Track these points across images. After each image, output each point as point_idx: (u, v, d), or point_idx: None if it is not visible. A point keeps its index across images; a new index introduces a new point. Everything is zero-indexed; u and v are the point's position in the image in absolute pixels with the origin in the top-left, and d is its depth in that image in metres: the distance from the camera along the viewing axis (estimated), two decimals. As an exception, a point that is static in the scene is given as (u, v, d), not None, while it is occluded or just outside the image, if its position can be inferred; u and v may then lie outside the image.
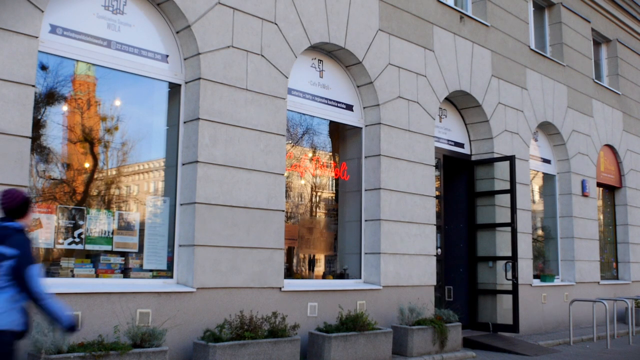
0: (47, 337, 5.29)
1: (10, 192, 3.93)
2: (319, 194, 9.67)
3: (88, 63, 6.73)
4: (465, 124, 11.75)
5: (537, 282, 12.52)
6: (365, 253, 9.23)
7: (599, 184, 15.08)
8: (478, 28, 11.53)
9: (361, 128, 9.52)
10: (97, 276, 6.56)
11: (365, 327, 7.80)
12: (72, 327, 3.95)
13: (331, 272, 9.36)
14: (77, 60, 6.65)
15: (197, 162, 7.05)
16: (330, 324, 7.79)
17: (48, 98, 6.60)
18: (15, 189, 4.01)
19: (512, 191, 11.00)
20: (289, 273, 8.70)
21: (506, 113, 11.92)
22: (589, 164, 14.37)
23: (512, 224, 10.94)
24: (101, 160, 7.05)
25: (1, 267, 3.73)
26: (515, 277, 10.68)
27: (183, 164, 7.23)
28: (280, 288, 7.73)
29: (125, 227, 6.91)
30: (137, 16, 7.07)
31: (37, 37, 5.96)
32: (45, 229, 6.27)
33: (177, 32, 7.33)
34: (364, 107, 9.52)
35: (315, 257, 9.48)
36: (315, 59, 9.04)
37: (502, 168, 11.33)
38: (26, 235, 3.86)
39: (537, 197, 13.86)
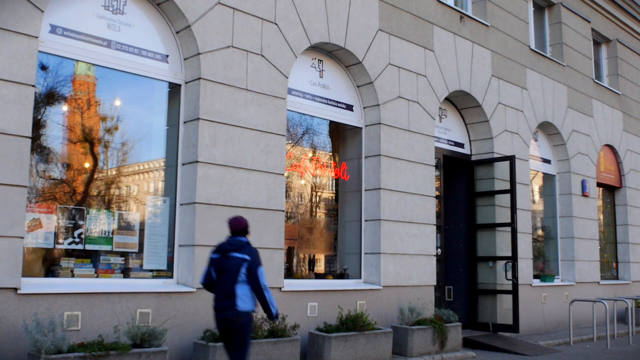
0: (47, 337, 5.29)
1: (237, 219, 5.54)
2: (319, 194, 9.67)
3: (88, 63, 6.72)
4: (465, 124, 11.75)
5: (537, 282, 12.52)
6: (365, 253, 9.23)
7: (599, 184, 15.08)
8: (478, 28, 11.53)
9: (361, 128, 9.52)
10: (97, 276, 6.56)
11: (365, 327, 7.80)
12: (276, 317, 5.43)
13: (331, 272, 9.35)
14: (77, 60, 6.65)
15: (197, 162, 7.05)
16: (330, 324, 7.79)
17: (48, 98, 6.60)
18: (240, 216, 5.59)
19: (512, 191, 11.00)
20: (289, 273, 8.70)
21: (506, 113, 11.92)
22: (589, 164, 14.37)
23: (512, 224, 10.94)
24: (101, 160, 7.05)
25: (242, 267, 5.22)
26: (515, 277, 10.68)
27: (183, 164, 7.23)
28: (280, 288, 7.73)
29: (125, 227, 6.91)
30: (137, 16, 7.07)
31: (37, 37, 5.96)
32: (45, 229, 6.28)
33: (177, 32, 7.33)
34: (364, 107, 9.52)
35: (315, 257, 9.49)
36: (315, 59, 9.04)
37: (502, 168, 11.33)
38: (252, 246, 5.42)
39: (537, 197, 13.86)
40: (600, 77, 16.13)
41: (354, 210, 9.46)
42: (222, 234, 7.15)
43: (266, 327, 6.94)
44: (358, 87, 9.49)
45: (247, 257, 5.25)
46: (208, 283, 5.43)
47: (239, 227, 5.47)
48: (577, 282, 13.43)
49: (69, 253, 6.44)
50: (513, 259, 10.80)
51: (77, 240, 6.48)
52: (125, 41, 6.91)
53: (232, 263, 5.26)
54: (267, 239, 7.62)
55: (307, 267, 9.43)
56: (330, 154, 9.77)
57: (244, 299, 5.21)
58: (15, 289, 5.64)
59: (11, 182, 5.66)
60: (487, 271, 11.31)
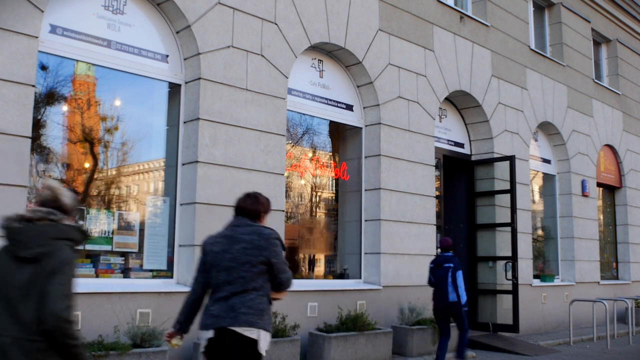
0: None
1: (446, 240, 8.27)
2: (319, 194, 9.67)
3: (88, 63, 6.73)
4: (465, 124, 11.75)
5: (537, 282, 12.52)
6: (365, 253, 9.23)
7: (599, 184, 15.08)
8: (478, 28, 11.53)
9: (361, 128, 9.52)
10: (97, 276, 6.56)
11: (365, 327, 7.80)
12: (465, 305, 7.96)
13: (331, 272, 9.36)
14: (77, 60, 6.65)
15: (197, 162, 7.05)
16: (330, 324, 7.79)
17: (48, 98, 6.60)
18: (448, 237, 8.37)
19: (512, 191, 11.00)
20: (289, 273, 8.68)
21: (506, 113, 11.92)
22: (589, 164, 14.37)
23: (512, 224, 10.94)
24: (101, 160, 7.05)
25: (450, 272, 7.88)
26: (515, 277, 10.68)
27: (183, 164, 7.23)
28: (280, 288, 7.71)
29: (125, 227, 6.91)
30: (137, 16, 7.07)
31: (37, 37, 5.96)
32: (45, 229, 6.27)
33: (177, 32, 7.33)
34: (364, 107, 9.52)
35: (315, 257, 9.49)
36: (315, 59, 9.04)
37: (502, 168, 11.33)
38: (456, 258, 8.08)
39: (537, 197, 13.86)
40: (600, 77, 16.13)
41: (354, 210, 9.46)
42: (222, 234, 7.17)
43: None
44: (358, 87, 9.49)
45: (452, 265, 7.89)
46: (430, 284, 8.19)
47: (447, 245, 8.19)
48: (577, 282, 13.43)
49: (69, 253, 6.43)
50: (513, 259, 10.80)
51: (77, 240, 6.47)
52: (125, 41, 6.91)
53: (444, 271, 7.93)
54: (267, 239, 7.60)
55: (307, 267, 9.43)
56: (330, 154, 9.77)
57: (453, 293, 7.84)
58: (15, 289, 5.64)
59: (11, 182, 5.66)
60: (487, 271, 11.31)
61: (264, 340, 3.59)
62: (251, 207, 3.85)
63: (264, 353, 3.58)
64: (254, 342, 3.53)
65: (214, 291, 3.69)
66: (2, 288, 2.58)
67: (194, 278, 3.85)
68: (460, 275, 7.85)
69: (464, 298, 7.86)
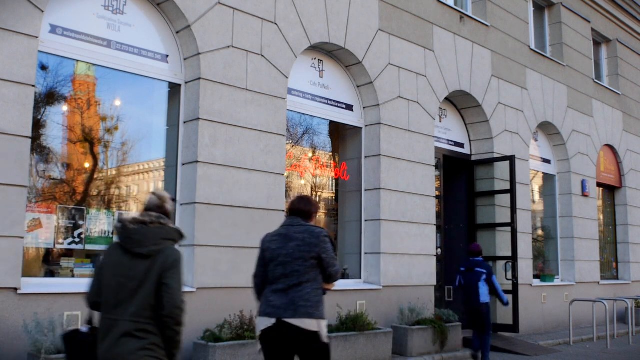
0: (47, 337, 5.29)
1: (476, 245, 8.93)
2: (319, 194, 9.67)
3: (88, 63, 6.73)
4: (465, 124, 11.75)
5: (537, 282, 12.52)
6: (365, 253, 9.23)
7: (599, 184, 15.07)
8: (478, 28, 11.53)
9: (361, 128, 9.52)
10: (97, 276, 6.55)
11: (365, 327, 7.80)
12: (507, 303, 8.80)
13: (331, 272, 9.34)
14: (77, 60, 6.65)
15: (197, 162, 7.05)
16: (330, 324, 7.78)
17: (48, 98, 6.60)
18: (477, 243, 9.42)
19: (512, 191, 11.00)
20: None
21: (506, 113, 11.92)
22: (589, 164, 14.37)
23: (512, 224, 10.94)
24: (101, 160, 7.05)
25: (482, 276, 8.42)
26: (515, 277, 10.68)
27: (183, 164, 7.23)
28: (280, 288, 7.72)
29: (125, 227, 6.90)
30: (137, 16, 7.07)
31: (37, 37, 5.96)
32: (45, 229, 6.28)
33: (177, 32, 7.33)
34: (364, 107, 9.51)
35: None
36: (315, 59, 9.04)
37: (502, 168, 11.33)
38: (486, 263, 8.77)
39: (537, 197, 13.86)
40: (600, 77, 16.13)
41: (354, 210, 9.46)
42: (222, 234, 7.18)
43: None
44: (358, 87, 9.49)
45: (484, 270, 8.48)
46: (458, 286, 8.78)
47: (477, 250, 8.78)
48: (577, 282, 13.43)
49: (69, 253, 6.44)
50: (513, 259, 10.80)
51: (77, 240, 6.48)
52: (125, 41, 6.90)
53: (476, 276, 8.46)
54: (267, 239, 7.61)
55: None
56: (330, 154, 9.77)
57: (483, 296, 8.39)
58: (15, 289, 5.64)
59: (11, 182, 5.66)
60: (487, 271, 11.30)
61: (323, 329, 4.10)
62: (304, 208, 4.36)
63: (327, 341, 4.13)
64: (316, 334, 4.05)
65: (271, 282, 4.19)
66: (120, 277, 3.14)
67: (255, 272, 4.33)
68: (495, 279, 8.55)
69: (505, 298, 8.71)
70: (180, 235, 3.38)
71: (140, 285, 3.11)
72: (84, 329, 3.39)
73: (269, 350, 4.14)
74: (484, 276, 8.40)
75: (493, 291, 8.48)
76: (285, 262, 4.14)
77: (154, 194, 3.40)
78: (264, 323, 4.11)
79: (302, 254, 4.13)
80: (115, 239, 3.18)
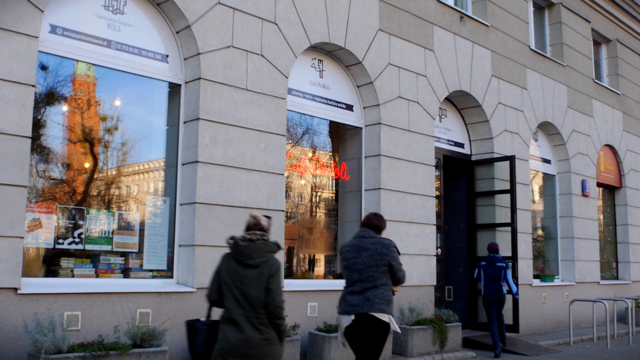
0: (47, 337, 5.29)
1: (494, 244, 9.92)
2: (319, 194, 9.67)
3: (88, 63, 6.73)
4: (465, 124, 11.75)
5: (537, 282, 12.52)
6: (365, 253, 9.21)
7: (599, 184, 15.08)
8: (478, 28, 11.53)
9: (361, 128, 9.52)
10: (97, 276, 6.56)
11: (365, 327, 7.79)
12: (517, 293, 10.04)
13: (331, 272, 9.35)
14: (77, 60, 6.65)
15: (197, 162, 7.05)
16: (330, 324, 7.79)
17: (48, 98, 6.60)
18: (495, 242, 10.09)
19: (512, 191, 11.00)
20: (289, 273, 8.70)
21: (506, 113, 11.92)
22: (589, 164, 14.37)
23: (512, 224, 10.94)
24: (101, 160, 7.05)
25: (503, 271, 9.61)
26: (515, 277, 10.68)
27: (183, 164, 7.23)
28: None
29: (125, 227, 6.92)
30: (137, 16, 7.07)
31: (37, 37, 5.96)
32: (45, 229, 6.27)
33: (177, 32, 7.33)
34: (364, 107, 9.52)
35: (315, 257, 9.48)
36: (315, 59, 9.04)
37: (502, 168, 11.33)
38: (505, 260, 9.90)
39: (537, 197, 13.86)
40: (600, 77, 16.13)
41: (354, 210, 9.46)
42: (222, 234, 7.15)
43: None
44: (358, 87, 9.49)
45: (504, 265, 9.68)
46: (476, 278, 10.05)
47: (495, 248, 9.88)
48: (577, 282, 13.43)
49: (69, 253, 6.44)
50: (513, 259, 10.80)
51: (77, 240, 6.48)
52: (125, 41, 6.91)
53: (497, 270, 9.65)
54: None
55: (307, 267, 9.43)
56: (330, 154, 9.77)
57: (504, 287, 9.63)
58: (15, 289, 5.64)
59: (11, 182, 5.66)
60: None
61: (393, 322, 5.09)
62: (377, 223, 5.37)
63: (397, 329, 5.22)
64: (386, 324, 5.04)
65: (348, 285, 5.19)
66: (237, 282, 4.08)
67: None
68: (508, 272, 9.79)
69: (514, 288, 9.87)
70: (278, 247, 4.27)
71: (253, 288, 4.04)
72: (202, 319, 4.39)
73: (352, 342, 5.12)
74: (504, 270, 9.67)
75: (506, 282, 9.74)
76: (361, 269, 5.08)
77: (250, 215, 4.36)
78: (346, 320, 5.07)
79: (375, 262, 5.07)
80: (227, 250, 4.24)
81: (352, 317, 5.00)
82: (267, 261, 4.12)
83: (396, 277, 5.18)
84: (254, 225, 4.29)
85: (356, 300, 5.03)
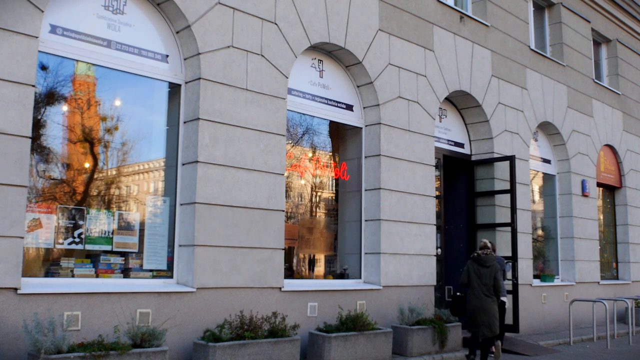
0: (47, 337, 5.29)
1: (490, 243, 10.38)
2: (319, 194, 9.67)
3: (88, 63, 6.73)
4: (465, 124, 11.75)
5: (537, 282, 12.52)
6: (365, 253, 9.23)
7: (599, 184, 15.08)
8: (478, 28, 11.53)
9: (361, 128, 9.52)
10: (97, 276, 6.56)
11: (365, 327, 7.80)
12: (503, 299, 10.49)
13: (331, 272, 9.36)
14: (77, 60, 6.65)
15: (197, 162, 7.05)
16: (330, 324, 7.79)
17: (48, 98, 6.60)
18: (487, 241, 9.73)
19: (512, 191, 11.00)
20: (289, 273, 8.70)
21: (506, 113, 11.92)
22: (589, 164, 14.37)
23: (512, 224, 10.94)
24: (101, 160, 7.05)
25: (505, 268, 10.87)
26: (515, 277, 10.68)
27: (183, 164, 7.23)
28: (280, 288, 7.73)
29: (125, 227, 6.92)
30: (137, 16, 7.07)
31: (37, 37, 5.96)
32: (45, 229, 6.28)
33: (177, 32, 7.33)
34: (364, 107, 9.52)
35: (315, 257, 9.49)
36: (315, 59, 9.04)
37: (502, 168, 11.33)
38: (499, 258, 10.16)
39: (537, 197, 13.86)
40: (600, 77, 16.13)
41: (354, 210, 9.46)
42: (222, 234, 7.19)
43: (266, 327, 6.94)
44: (358, 87, 9.49)
45: (499, 264, 9.57)
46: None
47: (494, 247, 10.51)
48: (577, 282, 13.43)
49: (69, 253, 6.44)
50: (513, 259, 10.80)
51: (77, 240, 6.49)
52: (125, 41, 6.91)
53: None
54: (267, 239, 7.62)
55: (307, 267, 9.43)
56: (330, 154, 9.77)
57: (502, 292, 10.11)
58: (15, 289, 5.64)
59: (11, 182, 5.66)
60: (487, 271, 11.31)
61: (508, 302, 9.45)
62: (491, 246, 8.81)
63: (509, 305, 9.44)
64: (503, 303, 9.29)
65: (472, 289, 8.57)
66: (481, 276, 8.51)
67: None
68: (508, 270, 10.66)
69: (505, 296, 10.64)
70: (495, 256, 8.77)
71: (488, 278, 8.47)
72: (459, 293, 9.29)
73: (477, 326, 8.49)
74: (502, 268, 10.27)
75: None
76: (482, 278, 8.54)
77: (481, 240, 8.89)
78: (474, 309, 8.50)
79: (492, 273, 8.55)
80: (471, 256, 8.64)
81: (479, 304, 8.54)
82: (494, 265, 8.53)
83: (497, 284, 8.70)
84: (484, 246, 8.69)
85: (481, 295, 8.62)
